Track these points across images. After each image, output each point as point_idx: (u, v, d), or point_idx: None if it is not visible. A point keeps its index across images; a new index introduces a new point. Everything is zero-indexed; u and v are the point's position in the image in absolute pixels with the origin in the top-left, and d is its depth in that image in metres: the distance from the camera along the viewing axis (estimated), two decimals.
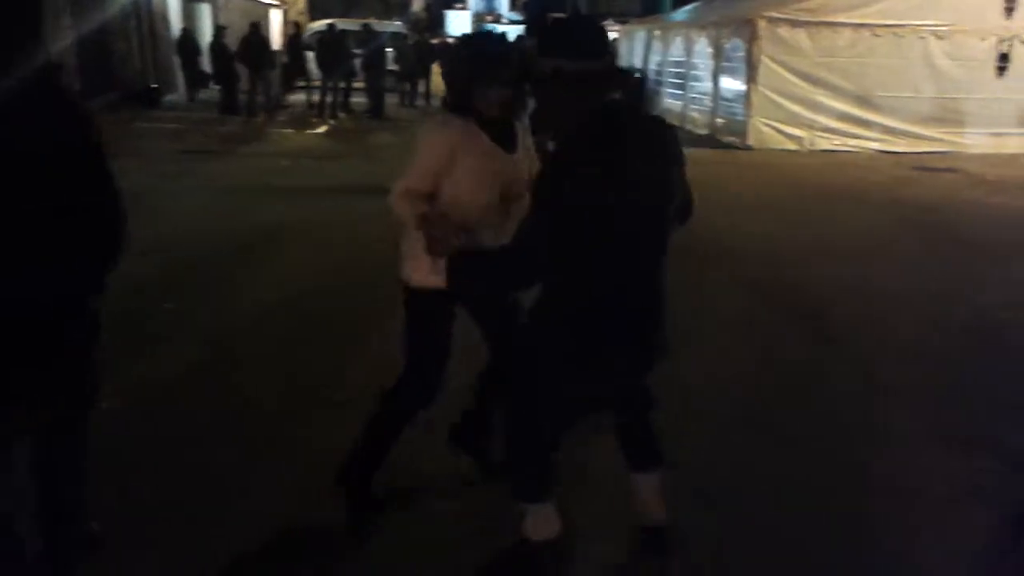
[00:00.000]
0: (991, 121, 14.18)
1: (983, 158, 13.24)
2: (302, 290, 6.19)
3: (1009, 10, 13.68)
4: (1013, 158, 13.52)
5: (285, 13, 25.37)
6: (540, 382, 2.60)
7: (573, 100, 2.32)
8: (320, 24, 23.25)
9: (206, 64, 20.27)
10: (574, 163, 2.26)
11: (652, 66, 20.08)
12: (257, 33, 17.46)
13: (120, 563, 2.94)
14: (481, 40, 3.04)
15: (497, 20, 43.09)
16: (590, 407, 2.82)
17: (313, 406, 4.28)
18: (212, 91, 19.71)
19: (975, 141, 14.17)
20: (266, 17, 23.53)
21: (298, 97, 20.60)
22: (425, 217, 2.67)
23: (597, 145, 2.28)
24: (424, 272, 2.88)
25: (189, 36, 20.37)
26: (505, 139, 2.97)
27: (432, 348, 3.09)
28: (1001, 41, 13.91)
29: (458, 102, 2.91)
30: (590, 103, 2.32)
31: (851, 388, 4.60)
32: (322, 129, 16.20)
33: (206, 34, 21.69)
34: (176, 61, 20.45)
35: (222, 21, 21.35)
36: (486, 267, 2.53)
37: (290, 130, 15.81)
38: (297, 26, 23.31)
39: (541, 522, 2.77)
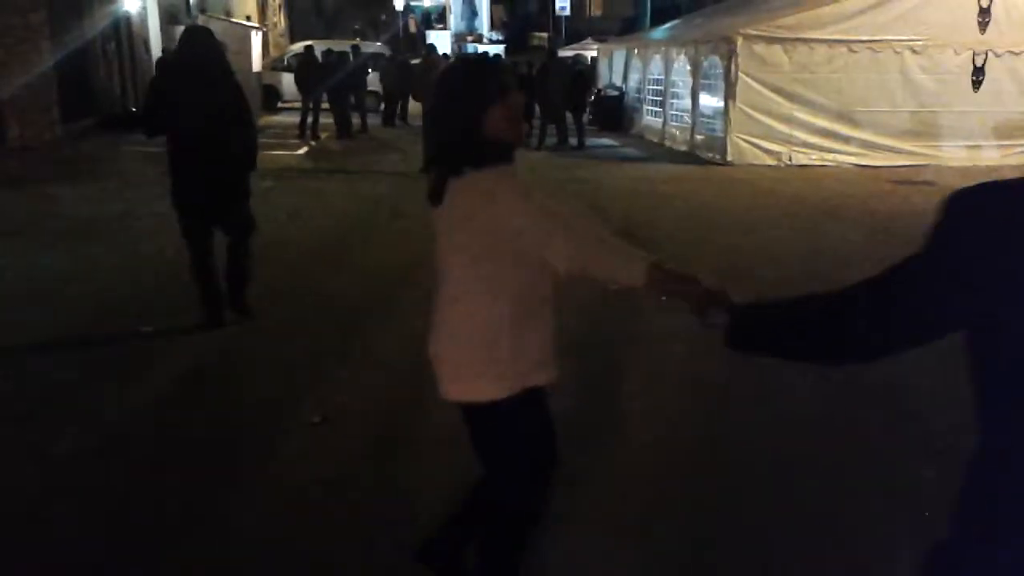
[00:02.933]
0: (967, 134, 14.30)
1: (960, 171, 13.32)
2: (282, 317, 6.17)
3: (983, 24, 13.83)
4: (990, 170, 13.60)
5: (265, 35, 25.37)
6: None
7: None
8: (298, 46, 23.53)
9: None
10: None
11: (632, 84, 20.20)
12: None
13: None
14: (462, 65, 2.70)
15: (478, 40, 43.24)
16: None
17: (285, 425, 4.25)
18: None
19: (952, 154, 14.28)
20: (247, 39, 23.50)
21: (280, 119, 20.60)
22: (658, 266, 2.17)
23: None
24: (498, 379, 2.40)
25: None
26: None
27: (528, 450, 2.56)
28: (976, 55, 14.05)
29: (480, 150, 2.35)
30: None
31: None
32: (302, 150, 16.16)
33: None
34: None
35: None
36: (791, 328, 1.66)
37: (273, 152, 15.76)
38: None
39: None
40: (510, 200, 2.30)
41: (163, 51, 20.56)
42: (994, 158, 14.32)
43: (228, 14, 26.16)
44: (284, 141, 16.60)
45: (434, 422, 4.25)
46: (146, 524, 3.36)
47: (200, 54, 5.33)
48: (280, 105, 22.71)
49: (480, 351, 2.40)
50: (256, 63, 24.07)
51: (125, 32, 19.52)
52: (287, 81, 19.87)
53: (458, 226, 2.39)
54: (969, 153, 14.25)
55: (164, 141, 5.47)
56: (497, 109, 2.36)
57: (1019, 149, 14.53)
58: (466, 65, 2.65)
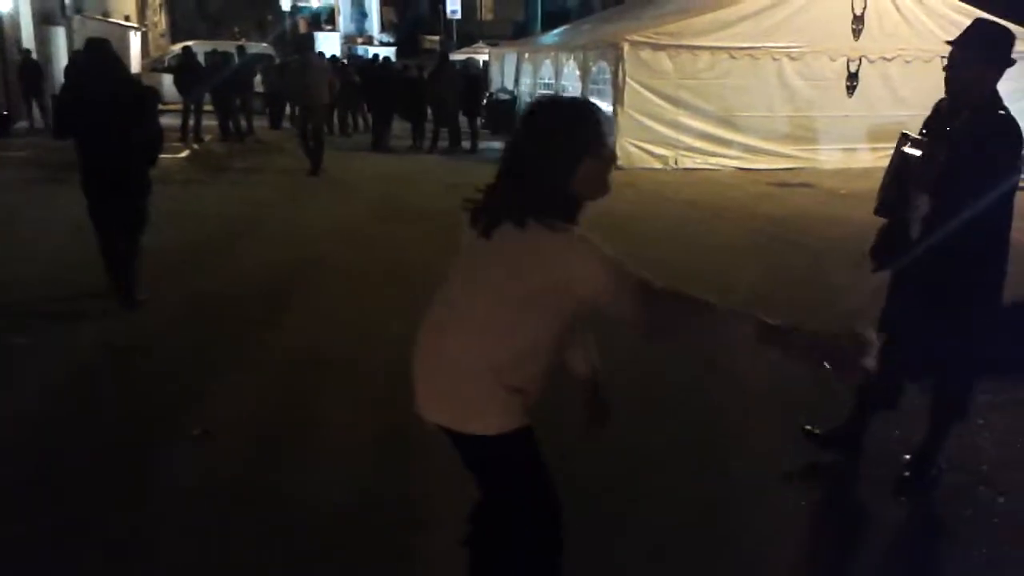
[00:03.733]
0: (843, 137, 14.90)
1: (836, 173, 13.90)
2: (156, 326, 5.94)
3: (857, 32, 14.45)
4: (865, 172, 14.16)
5: (145, 35, 24.49)
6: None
7: None
8: (178, 47, 22.98)
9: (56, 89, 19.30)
10: None
11: (523, 88, 20.32)
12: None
13: None
14: (562, 106, 2.31)
15: (369, 42, 42.77)
16: None
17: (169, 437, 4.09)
18: None
19: (828, 157, 14.87)
20: (124, 39, 22.64)
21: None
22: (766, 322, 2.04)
23: None
24: (506, 411, 2.29)
25: (30, 60, 19.33)
26: None
27: (544, 486, 2.43)
28: (850, 61, 14.67)
29: (557, 206, 2.16)
30: None
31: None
32: (184, 154, 15.63)
33: (62, 58, 20.70)
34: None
35: (78, 45, 20.41)
36: None
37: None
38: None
39: None
40: (589, 272, 2.07)
41: (23, 52, 19.60)
42: (867, 160, 14.97)
43: (105, 14, 25.14)
44: (166, 144, 15.98)
45: (319, 429, 4.19)
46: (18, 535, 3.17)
47: (101, 61, 6.13)
48: (161, 107, 21.92)
49: (485, 385, 2.25)
50: (135, 64, 23.24)
51: None
52: (167, 83, 19.22)
53: (500, 271, 2.18)
54: (844, 156, 14.85)
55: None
56: (592, 162, 2.16)
57: (891, 152, 15.20)
58: (561, 106, 2.28)
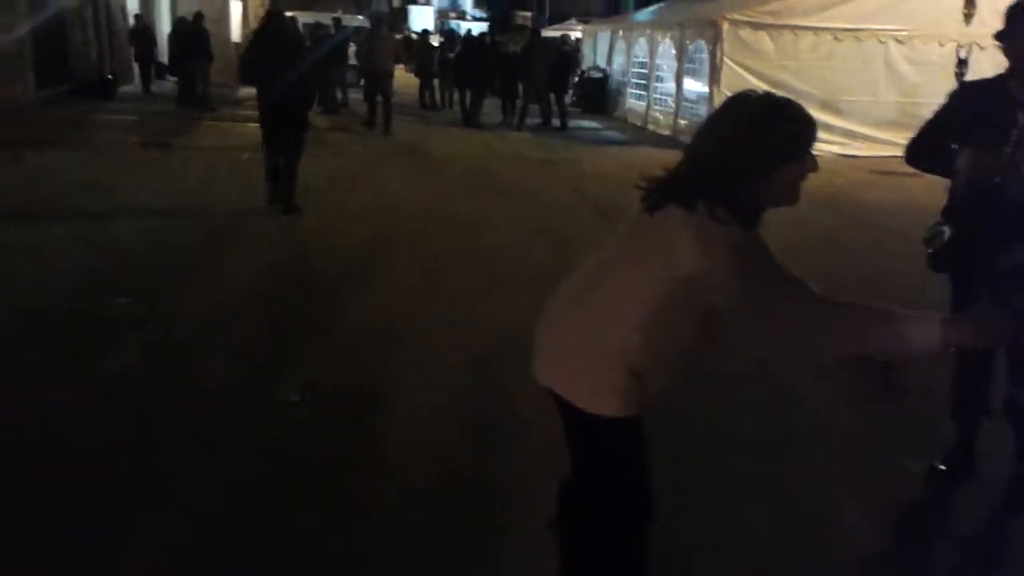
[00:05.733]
0: None
1: None
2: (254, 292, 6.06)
3: (968, 17, 13.82)
4: None
5: (245, 5, 24.96)
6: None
7: None
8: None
9: (163, 55, 19.91)
10: None
11: (616, 67, 20.08)
12: (199, 24, 17.32)
13: None
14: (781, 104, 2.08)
15: (461, 17, 42.87)
16: None
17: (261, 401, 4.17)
18: (171, 83, 19.31)
19: None
20: (225, 8, 23.12)
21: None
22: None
23: None
24: (622, 394, 2.18)
25: (142, 25, 19.95)
26: None
27: (639, 483, 2.33)
28: (960, 47, 14.05)
29: (743, 209, 2.03)
30: None
31: None
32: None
33: (165, 25, 21.30)
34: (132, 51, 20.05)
35: (181, 11, 20.97)
36: None
37: (251, 124, 15.53)
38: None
39: None
40: (717, 264, 1.94)
41: (135, 16, 20.15)
42: None
43: None
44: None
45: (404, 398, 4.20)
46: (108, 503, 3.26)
47: (280, 29, 8.51)
48: None
49: (608, 364, 2.17)
50: (235, 33, 23.74)
51: None
52: None
53: (644, 251, 2.09)
54: None
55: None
56: (793, 168, 2.03)
57: None
58: (775, 101, 2.08)
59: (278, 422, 4.03)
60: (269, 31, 8.50)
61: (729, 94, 9.78)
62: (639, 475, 2.31)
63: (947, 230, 3.32)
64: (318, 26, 19.19)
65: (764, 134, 2.01)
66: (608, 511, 2.34)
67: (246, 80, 8.82)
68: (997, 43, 3.33)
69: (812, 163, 2.06)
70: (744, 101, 2.10)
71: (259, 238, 7.53)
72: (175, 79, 18.31)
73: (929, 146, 3.63)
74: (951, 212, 3.44)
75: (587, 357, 2.20)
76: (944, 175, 3.48)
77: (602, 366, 2.17)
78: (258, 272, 6.48)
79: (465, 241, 7.75)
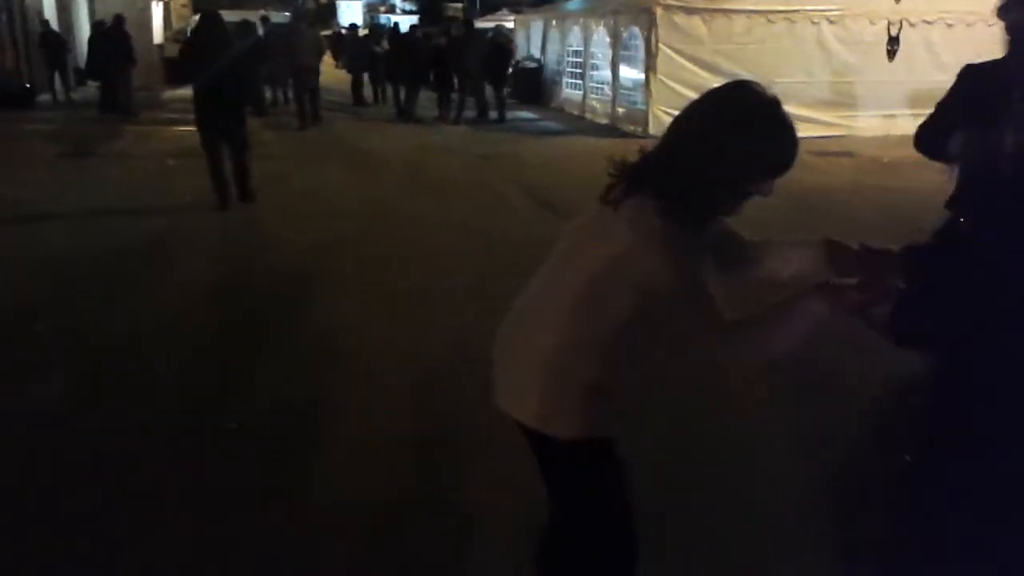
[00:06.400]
0: (883, 103, 14.37)
1: (877, 140, 13.44)
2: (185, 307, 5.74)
3: None
4: (905, 139, 13.45)
5: (167, 6, 24.25)
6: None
7: None
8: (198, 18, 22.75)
9: (81, 60, 19.17)
10: None
11: (551, 56, 19.92)
12: (120, 28, 16.75)
13: None
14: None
15: (391, 11, 42.34)
16: None
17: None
18: (92, 88, 18.60)
19: (868, 124, 14.39)
20: (146, 10, 22.41)
21: (185, 92, 19.69)
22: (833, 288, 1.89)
23: None
24: (588, 414, 2.03)
25: (50, 31, 19.12)
26: None
27: (624, 501, 2.17)
28: (891, 24, 14.17)
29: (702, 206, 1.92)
30: None
31: None
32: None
33: (84, 29, 20.52)
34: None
35: (100, 15, 20.22)
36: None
37: (177, 128, 15.03)
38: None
39: None
40: (656, 267, 1.83)
41: (42, 23, 19.36)
42: (908, 127, 14.45)
43: None
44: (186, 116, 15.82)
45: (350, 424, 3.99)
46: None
47: (216, 28, 8.75)
48: None
49: (566, 379, 2.02)
50: (157, 35, 23.04)
51: (17, 4, 18.30)
52: None
53: (593, 244, 1.95)
54: (884, 123, 14.34)
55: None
56: (765, 186, 1.90)
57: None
58: (777, 122, 1.91)
59: (212, 453, 3.76)
60: (206, 31, 8.74)
61: (666, 80, 9.55)
62: (624, 503, 2.14)
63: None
64: (244, 23, 18.66)
65: (757, 148, 1.86)
66: (592, 549, 2.16)
67: (184, 80, 8.83)
68: (999, 19, 3.15)
69: (770, 188, 1.94)
70: (745, 101, 1.90)
71: (191, 250, 7.23)
72: (96, 84, 17.63)
73: (936, 132, 3.44)
74: (955, 201, 3.26)
75: (542, 373, 2.02)
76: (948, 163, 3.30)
77: (559, 381, 2.00)
78: (190, 286, 6.18)
79: (407, 243, 7.50)
